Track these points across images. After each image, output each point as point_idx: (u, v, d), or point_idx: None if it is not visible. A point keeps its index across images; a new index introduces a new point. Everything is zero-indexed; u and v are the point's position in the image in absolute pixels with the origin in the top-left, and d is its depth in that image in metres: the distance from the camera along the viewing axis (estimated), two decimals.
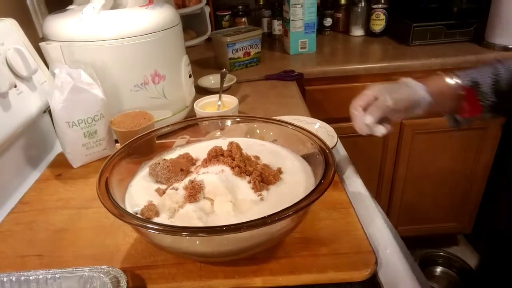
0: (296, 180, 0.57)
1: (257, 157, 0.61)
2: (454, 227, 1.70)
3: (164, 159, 0.59)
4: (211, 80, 1.23)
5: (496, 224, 0.78)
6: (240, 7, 1.74)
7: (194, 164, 0.61)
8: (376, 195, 1.62)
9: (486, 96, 0.64)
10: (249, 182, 0.54)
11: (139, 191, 0.56)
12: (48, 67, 0.80)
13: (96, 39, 0.76)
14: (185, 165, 0.59)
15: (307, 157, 0.60)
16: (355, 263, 0.50)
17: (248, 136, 0.68)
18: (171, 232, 0.43)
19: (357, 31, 1.68)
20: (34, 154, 0.80)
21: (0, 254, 0.56)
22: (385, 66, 1.35)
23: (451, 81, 0.65)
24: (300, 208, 0.44)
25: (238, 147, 0.58)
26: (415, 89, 0.63)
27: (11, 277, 0.45)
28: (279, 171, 0.58)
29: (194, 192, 0.50)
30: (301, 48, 1.51)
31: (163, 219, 0.50)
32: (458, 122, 0.70)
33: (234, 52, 1.36)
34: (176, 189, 0.53)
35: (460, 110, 0.67)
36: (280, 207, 0.44)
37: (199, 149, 0.64)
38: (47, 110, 0.81)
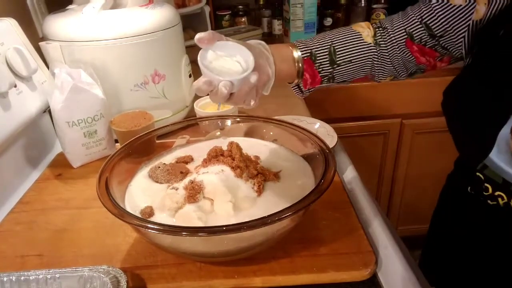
0: (296, 180, 0.57)
1: (257, 157, 0.61)
2: None
3: (164, 164, 0.59)
4: None
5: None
6: (240, 6, 1.74)
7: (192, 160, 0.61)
8: (376, 195, 1.62)
9: (323, 67, 0.65)
10: (249, 182, 0.54)
11: (139, 191, 0.56)
12: (48, 67, 0.80)
13: (96, 38, 0.76)
14: (185, 168, 0.59)
15: (307, 157, 0.60)
16: (355, 263, 0.50)
17: (248, 136, 0.68)
18: (171, 232, 0.43)
19: None
20: (34, 154, 0.80)
21: (0, 254, 0.56)
22: None
23: (295, 53, 0.63)
24: (300, 208, 0.44)
25: (238, 147, 0.58)
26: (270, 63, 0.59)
27: (11, 277, 0.45)
28: (279, 171, 0.58)
29: (194, 193, 0.50)
30: None
31: (163, 218, 0.50)
32: (302, 91, 0.69)
33: None
34: (176, 189, 0.53)
35: (303, 82, 0.66)
36: (280, 207, 0.44)
37: (199, 149, 0.64)
38: (47, 110, 0.81)
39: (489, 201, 0.61)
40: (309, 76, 0.65)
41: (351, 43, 0.65)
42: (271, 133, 0.67)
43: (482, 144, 0.58)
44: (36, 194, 0.69)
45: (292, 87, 0.69)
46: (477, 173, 0.61)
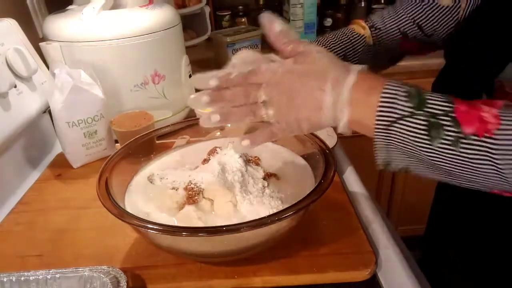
0: (296, 180, 0.57)
1: (257, 158, 0.61)
2: None
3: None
4: None
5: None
6: (240, 7, 1.74)
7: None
8: (376, 195, 1.62)
9: None
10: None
11: (139, 191, 0.56)
12: (48, 67, 0.80)
13: (96, 39, 0.76)
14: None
15: (307, 157, 0.60)
16: (355, 263, 0.50)
17: None
18: (171, 232, 0.43)
19: None
20: (34, 154, 0.80)
21: (0, 254, 0.56)
22: None
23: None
24: (300, 208, 0.44)
25: None
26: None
27: (11, 277, 0.45)
28: (279, 171, 0.58)
29: (193, 193, 0.50)
30: None
31: (163, 218, 0.50)
32: None
33: (234, 52, 1.36)
34: (176, 189, 0.53)
35: None
36: (280, 207, 0.44)
37: (199, 149, 0.64)
38: (47, 110, 0.81)
39: None
40: None
41: (358, 49, 0.68)
42: None
43: None
44: (36, 194, 0.69)
45: None
46: None
